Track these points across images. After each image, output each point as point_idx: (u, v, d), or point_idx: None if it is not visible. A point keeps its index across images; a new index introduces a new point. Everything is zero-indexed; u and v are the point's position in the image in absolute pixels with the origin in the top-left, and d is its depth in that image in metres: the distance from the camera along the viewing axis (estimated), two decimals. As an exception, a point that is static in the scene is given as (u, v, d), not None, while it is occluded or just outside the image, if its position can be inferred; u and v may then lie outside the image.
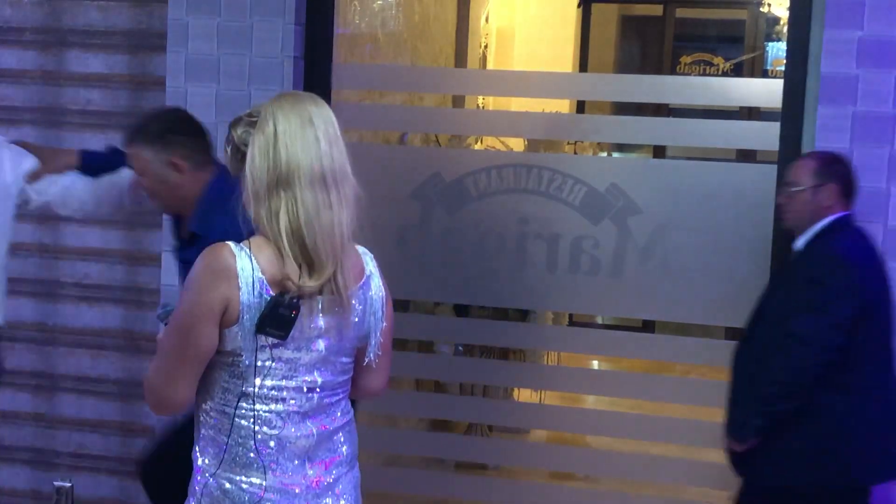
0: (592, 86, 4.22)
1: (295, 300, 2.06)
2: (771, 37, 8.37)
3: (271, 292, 2.06)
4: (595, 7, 8.59)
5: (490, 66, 7.23)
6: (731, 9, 9.01)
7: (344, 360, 2.23)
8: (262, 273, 2.05)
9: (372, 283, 2.27)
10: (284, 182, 2.10)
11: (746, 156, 6.14)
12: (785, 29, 5.40)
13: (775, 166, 3.23)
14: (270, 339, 2.09)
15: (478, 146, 5.42)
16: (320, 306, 2.14)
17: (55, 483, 3.56)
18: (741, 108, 6.41)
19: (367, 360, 2.27)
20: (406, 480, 3.84)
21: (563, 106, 6.75)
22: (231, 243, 2.08)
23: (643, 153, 7.62)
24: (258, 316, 2.06)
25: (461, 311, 4.50)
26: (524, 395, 5.21)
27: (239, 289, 2.05)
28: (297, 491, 2.19)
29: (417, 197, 3.55)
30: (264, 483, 2.16)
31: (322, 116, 2.16)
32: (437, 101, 5.33)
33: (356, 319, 2.22)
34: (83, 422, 3.83)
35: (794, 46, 3.21)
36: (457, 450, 4.06)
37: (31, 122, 3.75)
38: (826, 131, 3.11)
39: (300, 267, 2.08)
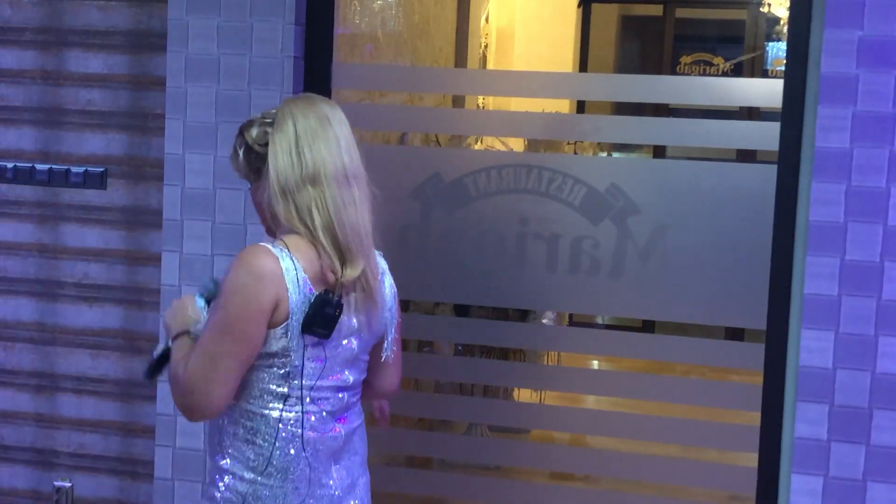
0: (592, 86, 4.22)
1: (339, 298, 2.09)
2: (771, 37, 8.37)
3: (313, 290, 2.07)
4: (595, 7, 8.60)
5: (490, 66, 7.24)
6: (731, 9, 9.01)
7: (365, 358, 2.27)
8: (305, 272, 2.06)
9: (386, 280, 2.32)
10: (311, 179, 2.13)
11: (746, 156, 6.14)
12: (785, 29, 5.40)
13: (775, 166, 3.23)
14: (311, 339, 2.10)
15: (478, 146, 5.42)
16: (354, 304, 2.16)
17: (55, 483, 3.57)
18: (741, 108, 6.41)
19: (384, 356, 2.30)
20: (406, 480, 3.84)
21: (563, 106, 6.76)
22: (267, 244, 2.09)
23: (643, 153, 7.62)
24: (304, 315, 2.06)
25: (461, 311, 4.51)
26: (524, 395, 5.21)
27: (287, 289, 2.06)
28: (328, 494, 2.20)
29: (417, 197, 3.55)
30: (302, 487, 2.16)
31: (337, 117, 2.21)
32: (437, 101, 5.33)
33: (380, 314, 2.25)
34: (83, 422, 3.83)
35: (794, 46, 3.21)
36: (457, 450, 4.06)
37: (31, 122, 3.75)
38: (826, 131, 3.11)
39: (335, 262, 2.12)
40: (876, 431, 3.12)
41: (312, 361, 2.12)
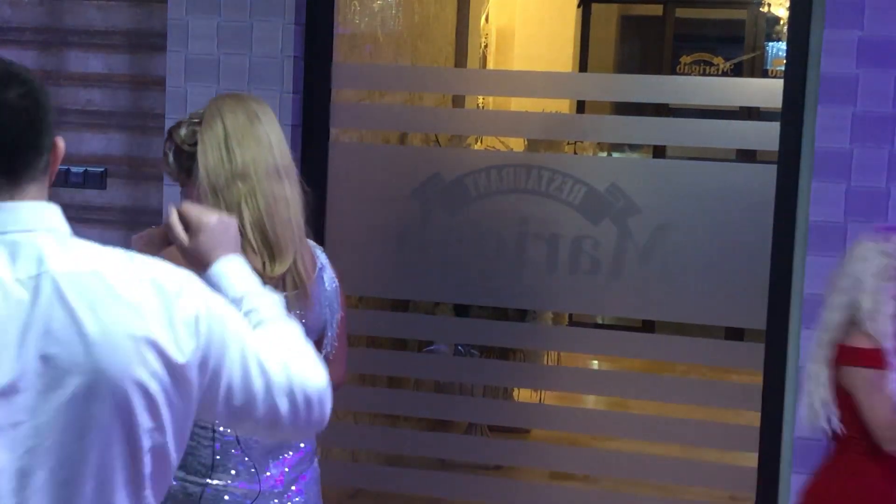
0: (592, 86, 4.22)
1: None
2: (771, 37, 8.37)
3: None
4: (595, 7, 8.59)
5: (490, 66, 7.23)
6: (731, 9, 9.01)
7: None
8: None
9: (325, 274, 2.31)
10: (241, 175, 2.13)
11: (746, 156, 6.13)
12: (785, 29, 5.41)
13: (775, 166, 3.23)
14: None
15: (478, 146, 5.42)
16: (286, 299, 2.15)
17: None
18: (741, 108, 6.40)
19: (324, 351, 2.28)
20: (406, 480, 3.84)
21: (563, 106, 6.75)
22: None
23: (643, 153, 7.62)
24: None
25: (461, 311, 4.51)
26: (524, 395, 5.21)
27: None
28: (261, 490, 2.19)
29: (417, 197, 3.55)
30: (228, 484, 2.17)
31: (266, 114, 2.22)
32: (437, 101, 5.33)
33: (316, 311, 2.24)
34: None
35: (794, 46, 3.21)
36: (457, 450, 4.06)
37: (31, 122, 3.75)
38: (826, 131, 3.11)
39: (263, 258, 2.12)
40: (876, 431, 3.11)
41: None
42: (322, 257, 2.32)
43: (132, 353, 1.36)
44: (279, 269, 2.12)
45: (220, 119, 2.18)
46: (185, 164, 2.20)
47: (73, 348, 1.35)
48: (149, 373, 1.37)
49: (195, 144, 2.18)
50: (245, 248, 2.04)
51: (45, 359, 1.34)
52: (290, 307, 2.12)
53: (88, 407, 1.35)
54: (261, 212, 2.13)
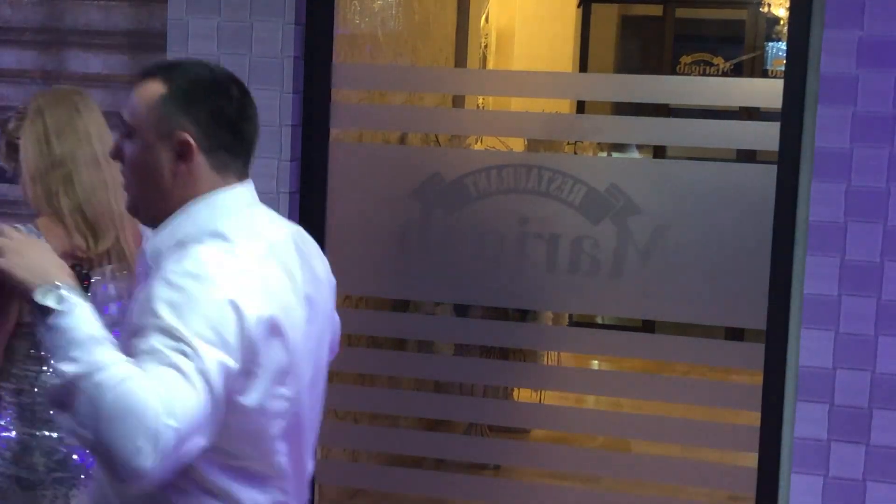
0: (592, 86, 4.22)
1: (86, 271, 2.36)
2: (771, 37, 8.37)
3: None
4: (595, 7, 8.60)
5: (490, 66, 7.23)
6: (731, 9, 9.01)
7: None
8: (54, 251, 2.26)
9: None
10: (59, 165, 2.42)
11: (746, 156, 6.14)
12: (785, 29, 5.40)
13: (775, 166, 3.23)
14: None
15: (478, 146, 5.42)
16: (110, 274, 2.45)
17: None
18: (741, 108, 6.41)
19: None
20: (406, 480, 3.84)
21: (563, 106, 6.75)
22: (19, 226, 2.22)
23: (643, 153, 7.62)
24: None
25: (461, 311, 4.50)
26: (524, 395, 5.21)
27: None
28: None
29: (417, 197, 3.55)
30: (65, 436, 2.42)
31: (87, 106, 2.50)
32: (437, 101, 5.33)
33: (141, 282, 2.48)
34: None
35: (794, 46, 3.21)
36: (457, 450, 4.06)
37: (31, 122, 3.75)
38: (826, 131, 3.11)
39: (86, 238, 2.40)
40: (876, 431, 3.11)
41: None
42: (147, 232, 2.63)
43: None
44: (102, 246, 2.41)
45: (41, 114, 2.44)
46: (13, 154, 2.49)
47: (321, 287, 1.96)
48: None
49: (20, 137, 2.46)
50: (69, 231, 2.38)
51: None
52: (115, 278, 2.46)
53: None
54: (79, 199, 2.40)
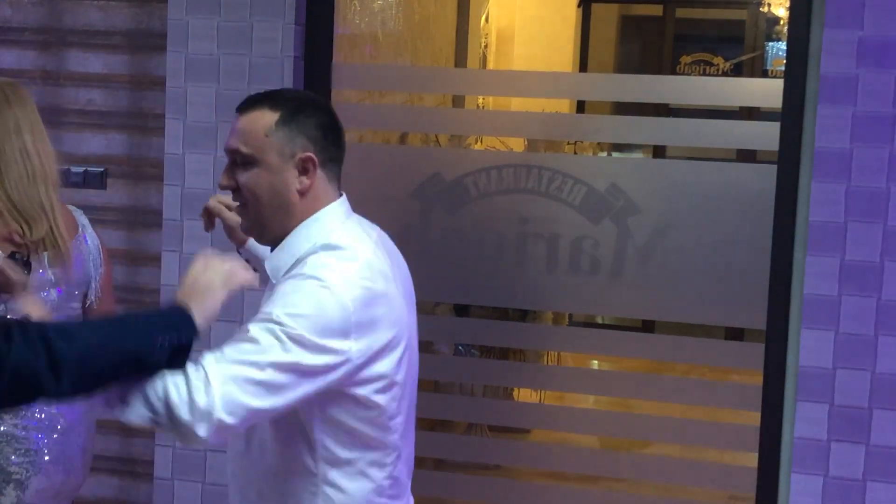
0: (592, 86, 4.22)
1: (25, 259, 2.44)
2: (771, 37, 8.37)
3: (1, 253, 2.42)
4: (595, 7, 8.60)
5: (490, 66, 7.23)
6: (731, 9, 9.01)
7: (73, 305, 2.64)
8: None
9: (87, 234, 2.70)
10: None
11: (746, 156, 6.13)
12: (785, 29, 5.40)
13: (775, 166, 3.23)
14: (4, 296, 2.42)
15: (478, 146, 5.42)
16: (46, 260, 2.52)
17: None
18: (741, 108, 6.41)
19: (88, 301, 2.69)
20: (406, 480, 3.83)
21: (563, 106, 6.75)
22: None
23: (643, 153, 7.62)
24: None
25: (461, 311, 4.50)
26: (524, 395, 5.21)
27: None
28: (51, 425, 2.55)
29: (417, 197, 3.55)
30: (17, 422, 2.50)
31: (18, 99, 2.54)
32: (437, 101, 5.33)
33: (79, 267, 2.62)
34: (83, 422, 3.83)
35: (794, 46, 3.21)
36: (457, 450, 4.06)
37: (31, 122, 3.75)
38: (826, 131, 3.11)
39: (21, 226, 2.47)
40: (876, 431, 3.12)
41: (10, 314, 2.40)
42: (83, 219, 2.72)
43: None
44: (36, 233, 2.48)
45: None
46: None
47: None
48: None
49: None
50: (5, 219, 2.47)
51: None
52: (52, 265, 2.54)
53: None
54: (8, 191, 2.47)
